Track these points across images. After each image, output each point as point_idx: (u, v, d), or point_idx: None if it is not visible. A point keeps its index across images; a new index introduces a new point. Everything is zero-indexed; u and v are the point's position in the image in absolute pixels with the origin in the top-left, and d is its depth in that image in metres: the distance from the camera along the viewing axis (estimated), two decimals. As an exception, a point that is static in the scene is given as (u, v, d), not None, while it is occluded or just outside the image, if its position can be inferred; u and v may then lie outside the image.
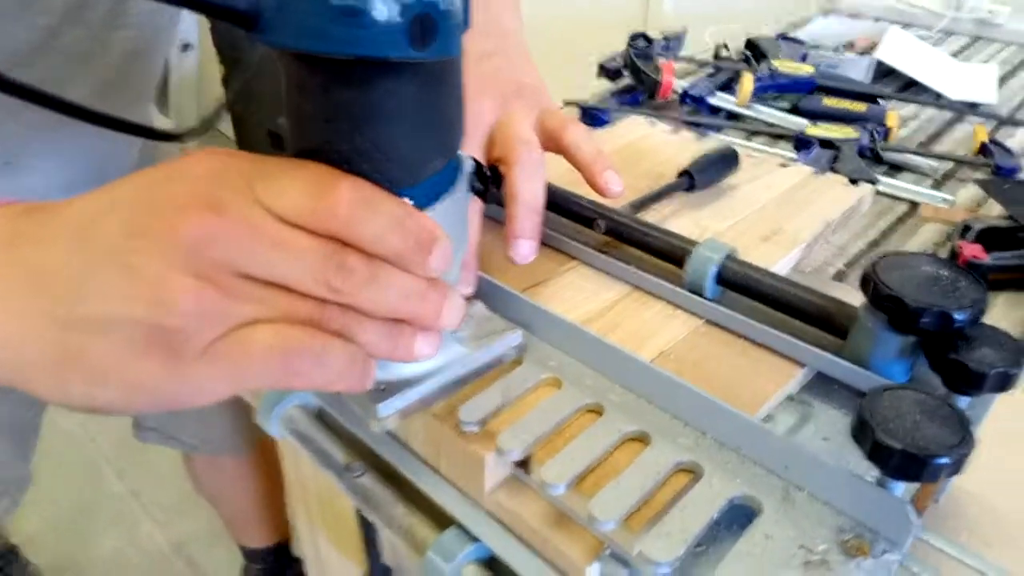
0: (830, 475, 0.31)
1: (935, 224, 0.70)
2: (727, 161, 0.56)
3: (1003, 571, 0.32)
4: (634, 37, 0.98)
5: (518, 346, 0.39)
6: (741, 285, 0.42)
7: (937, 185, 0.76)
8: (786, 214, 0.54)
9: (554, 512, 0.34)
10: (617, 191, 0.45)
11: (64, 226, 0.27)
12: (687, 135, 0.67)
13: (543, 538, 0.34)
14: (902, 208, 0.73)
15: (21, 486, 0.84)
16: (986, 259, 0.60)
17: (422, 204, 0.30)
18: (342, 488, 0.40)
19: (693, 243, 0.44)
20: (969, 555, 0.33)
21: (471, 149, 0.44)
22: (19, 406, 0.77)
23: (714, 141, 0.66)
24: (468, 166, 0.33)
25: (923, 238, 0.68)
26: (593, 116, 0.87)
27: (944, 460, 0.27)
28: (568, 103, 0.91)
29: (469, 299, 0.40)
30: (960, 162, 0.79)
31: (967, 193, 0.74)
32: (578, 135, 0.46)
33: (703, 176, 0.54)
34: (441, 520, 0.38)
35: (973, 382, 0.33)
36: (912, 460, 0.27)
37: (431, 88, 0.28)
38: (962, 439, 0.27)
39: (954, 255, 0.61)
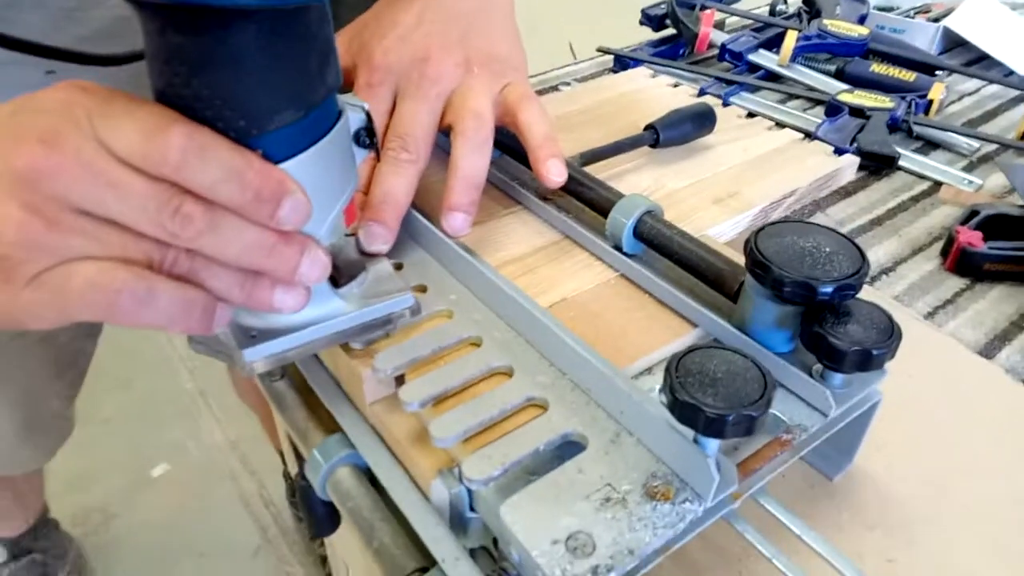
0: (655, 424, 0.32)
1: (950, 207, 0.66)
2: (700, 120, 0.55)
3: (816, 536, 0.32)
4: (682, -16, 0.94)
5: (410, 307, 0.38)
6: (655, 243, 0.42)
7: (970, 167, 0.71)
8: (750, 178, 0.53)
9: (420, 430, 0.37)
10: (557, 182, 0.44)
11: None
12: (688, 90, 0.65)
13: (404, 450, 0.37)
14: (922, 187, 0.69)
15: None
16: (982, 247, 0.57)
17: (275, 155, 0.29)
18: (263, 390, 0.45)
19: (620, 196, 0.44)
20: (794, 521, 0.33)
21: (423, 110, 0.44)
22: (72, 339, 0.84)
23: (713, 100, 0.64)
24: (357, 120, 0.33)
25: (931, 221, 0.64)
26: (624, 64, 0.85)
27: (729, 417, 0.27)
28: (601, 50, 0.90)
29: (377, 256, 0.40)
30: (1003, 145, 0.73)
31: (999, 179, 0.69)
32: (532, 114, 0.45)
33: (670, 132, 0.53)
34: (334, 429, 0.42)
35: (834, 357, 0.33)
36: (697, 412, 0.27)
37: (277, 37, 0.27)
38: (754, 401, 0.28)
39: (951, 240, 0.58)
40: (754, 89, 0.83)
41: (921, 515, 0.40)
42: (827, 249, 0.35)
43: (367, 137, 0.33)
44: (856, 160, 0.59)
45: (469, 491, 0.35)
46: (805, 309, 0.35)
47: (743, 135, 0.58)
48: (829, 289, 0.33)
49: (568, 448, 0.34)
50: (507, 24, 0.49)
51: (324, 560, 1.41)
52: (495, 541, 0.36)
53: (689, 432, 0.31)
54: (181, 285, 0.28)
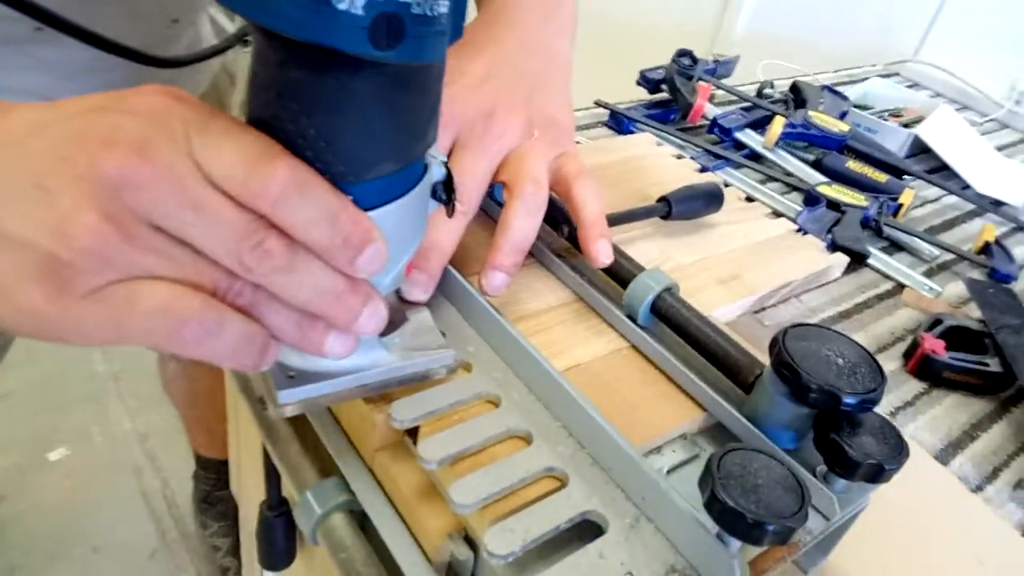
0: (677, 514, 0.32)
1: (912, 311, 0.70)
2: (710, 198, 0.56)
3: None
4: (680, 54, 0.98)
5: (448, 366, 0.37)
6: (671, 320, 0.43)
7: (930, 273, 0.76)
8: (751, 263, 0.54)
9: (427, 485, 0.36)
10: (604, 262, 0.44)
11: (5, 131, 0.26)
12: (691, 164, 0.67)
13: (410, 506, 0.36)
14: (887, 286, 0.73)
15: None
16: (943, 356, 0.60)
17: (365, 204, 0.28)
18: (252, 418, 0.43)
19: (640, 269, 0.45)
20: (795, 623, 0.34)
21: (481, 163, 0.44)
22: None
23: (713, 177, 0.66)
24: (438, 174, 0.32)
25: (895, 321, 0.68)
26: (618, 121, 0.87)
27: (770, 527, 0.28)
28: (599, 104, 0.92)
29: (416, 304, 0.40)
30: (960, 256, 0.78)
31: (955, 288, 0.74)
32: (587, 191, 0.45)
33: (681, 207, 0.55)
34: (329, 471, 0.40)
35: (847, 466, 0.34)
36: (740, 519, 0.28)
37: (393, 90, 0.27)
38: (794, 513, 0.28)
39: (915, 345, 0.62)
40: (737, 166, 0.86)
41: (889, 617, 0.41)
42: (849, 360, 0.36)
43: (444, 192, 0.33)
44: (845, 260, 0.61)
45: (475, 560, 0.34)
46: (819, 413, 0.36)
47: (744, 218, 0.60)
48: (853, 401, 0.34)
49: (589, 529, 0.34)
50: (566, 90, 0.49)
51: (224, 572, 1.35)
52: (491, 609, 0.35)
53: (713, 528, 0.31)
54: (246, 320, 0.27)
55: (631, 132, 0.85)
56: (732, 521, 0.28)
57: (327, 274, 0.27)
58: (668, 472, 0.38)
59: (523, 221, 0.43)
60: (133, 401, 1.65)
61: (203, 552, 1.38)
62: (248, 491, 0.65)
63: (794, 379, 0.35)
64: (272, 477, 0.46)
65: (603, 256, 0.44)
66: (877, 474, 0.34)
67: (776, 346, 0.36)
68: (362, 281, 0.29)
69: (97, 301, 0.25)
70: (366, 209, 0.28)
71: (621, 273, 0.46)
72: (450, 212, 0.35)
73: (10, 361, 0.94)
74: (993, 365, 0.60)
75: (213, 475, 1.32)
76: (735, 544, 0.30)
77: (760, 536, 0.28)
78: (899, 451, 0.34)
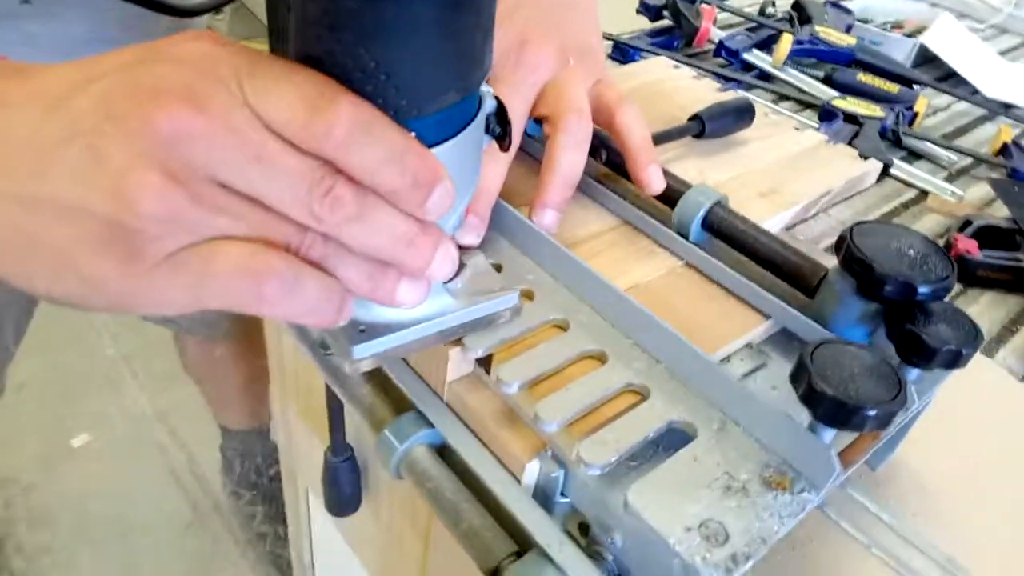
0: (765, 414, 0.32)
1: (939, 216, 0.70)
2: (741, 113, 0.56)
3: (906, 525, 0.34)
4: (680, -21, 0.95)
5: (512, 307, 0.36)
6: (725, 233, 0.43)
7: (950, 178, 0.76)
8: (789, 175, 0.54)
9: (506, 410, 0.36)
10: (657, 189, 0.43)
11: (39, 93, 0.25)
12: (711, 83, 0.66)
13: (492, 432, 0.36)
14: (911, 195, 0.73)
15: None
16: (978, 255, 0.61)
17: (428, 139, 0.27)
18: (315, 363, 0.42)
19: (688, 186, 0.44)
20: (884, 512, 0.35)
21: (518, 97, 0.42)
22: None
23: (736, 94, 0.65)
24: (489, 106, 0.31)
25: (923, 227, 0.68)
26: (623, 51, 0.86)
27: (871, 412, 0.28)
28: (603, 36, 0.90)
29: (470, 249, 0.39)
30: (978, 159, 0.78)
31: (977, 191, 0.74)
32: (631, 118, 0.44)
33: (714, 124, 0.54)
34: (401, 406, 0.40)
35: (925, 355, 0.34)
36: (841, 407, 0.28)
37: (454, 11, 0.25)
38: (894, 396, 0.29)
39: (948, 247, 0.62)
40: (748, 87, 0.85)
41: (958, 502, 0.42)
42: (919, 251, 0.36)
43: (498, 125, 0.31)
44: (880, 165, 0.61)
45: (564, 476, 0.34)
46: (888, 307, 0.37)
47: (773, 133, 0.59)
48: (927, 290, 0.34)
49: (665, 438, 0.34)
50: (595, 16, 0.48)
51: (262, 538, 1.37)
52: (580, 527, 0.36)
53: (804, 423, 0.32)
54: (322, 274, 0.26)
55: (634, 59, 0.83)
56: (833, 410, 0.28)
57: (398, 218, 0.26)
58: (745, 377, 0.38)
59: (571, 154, 0.42)
60: (148, 381, 1.65)
61: (239, 521, 1.40)
62: (298, 447, 0.65)
63: (866, 274, 0.35)
64: (337, 422, 0.46)
65: (656, 182, 0.43)
66: (955, 359, 0.34)
67: (844, 243, 0.36)
68: (431, 224, 0.27)
69: (172, 267, 0.24)
70: (429, 146, 0.27)
71: (667, 192, 0.45)
72: (506, 146, 0.33)
73: (19, 353, 0.94)
74: (1027, 260, 0.60)
75: (240, 445, 1.33)
76: (829, 434, 0.31)
77: (862, 422, 0.28)
78: (974, 336, 0.35)
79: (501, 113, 0.31)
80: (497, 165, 0.41)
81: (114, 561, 1.32)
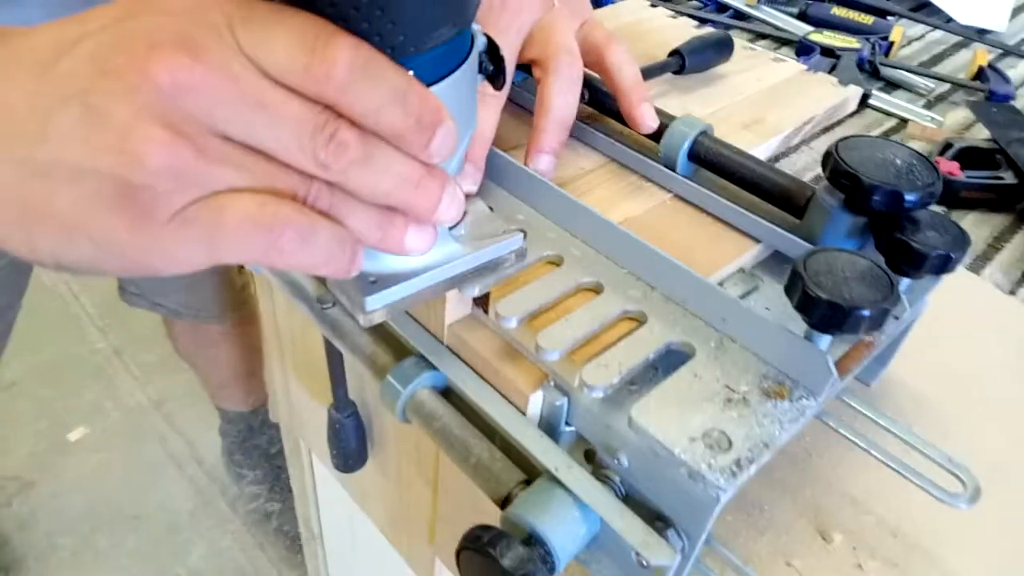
0: (762, 327, 0.33)
1: (920, 142, 0.70)
2: (720, 47, 0.56)
3: (903, 428, 0.35)
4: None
5: (517, 250, 0.36)
6: (712, 162, 0.43)
7: (929, 105, 0.76)
8: (770, 105, 0.54)
9: (505, 347, 0.37)
10: (652, 126, 0.43)
11: (28, 56, 0.24)
12: (688, 21, 0.66)
13: (494, 368, 0.36)
14: (891, 123, 0.73)
15: None
16: (960, 176, 0.61)
17: (426, 78, 0.26)
18: (313, 318, 0.43)
19: (672, 119, 0.44)
20: (882, 416, 0.35)
21: (505, 42, 0.41)
22: None
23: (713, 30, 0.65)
24: (480, 43, 0.30)
25: (905, 153, 0.69)
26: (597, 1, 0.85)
27: (865, 312, 0.29)
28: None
29: (470, 197, 0.38)
30: (956, 84, 0.79)
31: (956, 116, 0.75)
32: (620, 57, 0.44)
33: (694, 58, 0.54)
34: (402, 353, 0.40)
35: (914, 262, 0.35)
36: (836, 310, 0.29)
37: None
38: (885, 296, 0.29)
39: (930, 170, 0.62)
40: (725, 28, 0.84)
41: (951, 412, 0.43)
42: (902, 161, 0.36)
43: (490, 62, 0.30)
44: (860, 91, 0.61)
45: (568, 404, 0.35)
46: (875, 219, 0.37)
47: (753, 65, 0.59)
48: (914, 198, 0.35)
49: (665, 360, 0.35)
50: None
51: (268, 516, 1.38)
52: (586, 455, 0.36)
53: (799, 332, 0.32)
54: (333, 223, 0.26)
55: (608, 2, 0.83)
56: (828, 314, 0.29)
57: (403, 161, 0.26)
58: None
59: (564, 97, 0.41)
60: (140, 370, 1.65)
61: (244, 501, 1.41)
62: (299, 410, 0.65)
63: (854, 185, 0.35)
64: (338, 376, 0.46)
65: (648, 119, 0.43)
66: (944, 264, 0.35)
67: (831, 158, 0.36)
68: (435, 166, 0.27)
69: (184, 222, 0.24)
70: (427, 85, 0.26)
71: (652, 125, 0.45)
72: (500, 84, 0.32)
73: (7, 350, 0.93)
74: (1008, 178, 0.61)
75: (239, 426, 1.34)
76: (824, 341, 0.31)
77: (856, 323, 0.29)
78: (962, 240, 0.35)
79: (493, 50, 0.31)
80: (490, 110, 0.40)
81: (125, 551, 1.33)
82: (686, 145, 0.43)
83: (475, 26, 0.31)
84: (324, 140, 0.24)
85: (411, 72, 0.26)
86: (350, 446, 0.49)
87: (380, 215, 0.27)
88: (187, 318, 1.11)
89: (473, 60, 0.30)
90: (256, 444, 1.34)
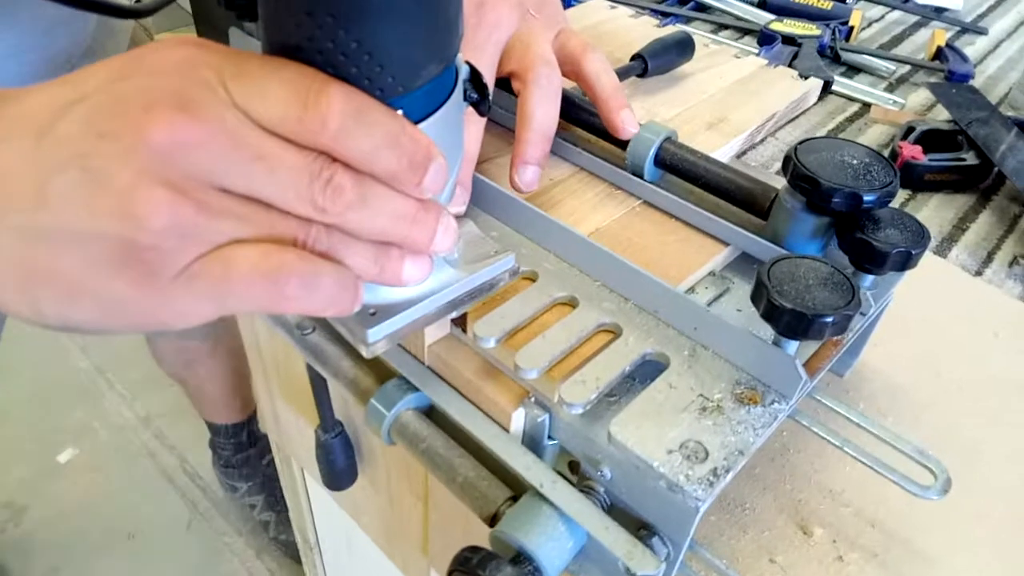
0: (731, 334, 0.34)
1: (884, 125, 0.72)
2: (681, 48, 0.56)
3: (874, 423, 0.36)
4: (608, -81, 0.94)
5: (510, 269, 0.36)
6: (677, 167, 0.44)
7: (891, 88, 0.78)
8: (733, 104, 0.55)
9: (486, 365, 0.37)
10: (632, 132, 0.44)
11: (22, 121, 0.24)
12: (649, 20, 0.66)
13: (476, 387, 0.37)
14: (854, 108, 0.74)
15: None
16: (923, 159, 0.62)
17: (415, 115, 0.27)
18: (294, 344, 0.43)
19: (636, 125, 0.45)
20: (853, 413, 0.37)
21: (484, 58, 0.42)
22: None
23: (675, 28, 0.66)
24: (464, 72, 0.31)
25: (869, 138, 0.70)
26: None
27: (829, 319, 0.30)
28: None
29: (459, 218, 0.39)
30: (916, 66, 0.80)
31: (918, 97, 0.76)
32: (599, 64, 0.44)
33: (656, 61, 0.55)
34: (383, 375, 0.41)
35: (876, 260, 0.36)
36: (800, 319, 0.30)
37: None
38: (848, 302, 0.30)
39: (894, 155, 0.64)
40: (687, 21, 0.85)
41: (924, 397, 0.45)
42: (861, 161, 0.37)
43: (474, 91, 0.31)
44: (820, 83, 0.62)
45: (549, 419, 0.36)
46: (838, 219, 0.38)
47: (714, 63, 0.60)
48: (873, 198, 0.36)
49: (641, 369, 0.36)
50: None
51: (264, 525, 1.38)
52: (571, 465, 0.37)
53: (768, 337, 0.33)
54: (335, 264, 0.26)
55: (569, 4, 0.83)
56: (793, 322, 0.30)
57: (398, 199, 0.26)
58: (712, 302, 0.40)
59: (545, 107, 0.42)
60: (125, 388, 1.64)
61: (239, 513, 1.41)
62: (288, 430, 0.66)
63: (814, 189, 0.36)
64: (323, 399, 0.47)
65: (629, 126, 0.44)
66: (905, 261, 0.36)
67: (790, 162, 0.37)
68: (429, 200, 0.28)
69: (191, 278, 0.24)
70: (416, 122, 0.27)
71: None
72: (484, 111, 0.33)
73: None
74: (969, 159, 0.62)
75: (230, 439, 1.33)
76: (792, 346, 0.32)
77: (821, 329, 0.30)
78: (921, 236, 0.36)
79: (476, 78, 0.31)
80: (474, 130, 0.41)
81: (122, 570, 1.33)
82: (652, 152, 0.44)
83: (458, 56, 0.31)
84: (321, 186, 0.24)
85: (401, 111, 0.26)
86: (339, 465, 0.50)
87: (377, 251, 0.27)
88: (169, 337, 1.10)
89: (459, 91, 0.30)
90: (248, 455, 1.34)
